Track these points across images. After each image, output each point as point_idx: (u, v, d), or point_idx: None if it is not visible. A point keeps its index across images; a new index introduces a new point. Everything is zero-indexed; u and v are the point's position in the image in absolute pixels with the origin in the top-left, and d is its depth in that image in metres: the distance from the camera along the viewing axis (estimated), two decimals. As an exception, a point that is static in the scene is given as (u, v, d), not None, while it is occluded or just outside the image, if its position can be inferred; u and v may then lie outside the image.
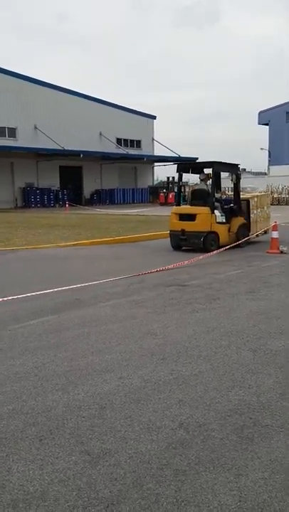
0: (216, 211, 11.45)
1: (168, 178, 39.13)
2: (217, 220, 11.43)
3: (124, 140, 43.87)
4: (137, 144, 45.25)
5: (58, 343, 4.75)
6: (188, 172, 13.36)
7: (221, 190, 12.60)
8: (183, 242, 11.59)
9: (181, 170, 12.44)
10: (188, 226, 11.40)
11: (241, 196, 12.63)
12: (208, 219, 11.28)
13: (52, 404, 3.42)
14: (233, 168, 12.63)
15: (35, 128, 36.76)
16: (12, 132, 36.00)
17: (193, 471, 2.60)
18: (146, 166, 45.78)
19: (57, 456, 2.76)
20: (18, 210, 32.02)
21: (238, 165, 12.59)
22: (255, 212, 12.85)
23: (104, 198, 40.60)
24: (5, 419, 3.20)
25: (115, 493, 2.43)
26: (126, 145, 43.76)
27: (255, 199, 13.04)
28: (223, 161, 12.26)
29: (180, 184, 12.94)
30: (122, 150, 42.15)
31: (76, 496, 2.41)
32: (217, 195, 11.97)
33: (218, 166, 12.09)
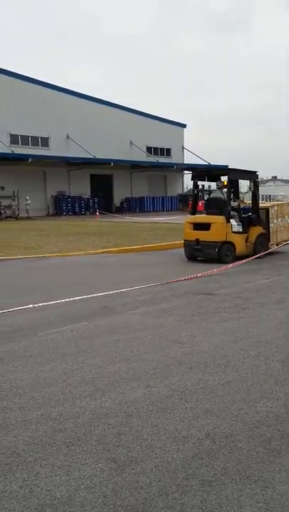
0: (231, 220, 11.09)
1: (198, 185, 38.99)
2: (233, 230, 11.06)
3: (154, 148, 44.10)
4: (167, 152, 45.41)
5: (87, 350, 4.80)
6: (204, 180, 13.00)
7: (239, 198, 12.36)
8: (197, 253, 11.24)
9: (196, 177, 12.12)
10: (203, 236, 11.04)
11: (260, 205, 12.25)
12: (224, 228, 10.91)
13: (79, 410, 3.46)
14: (250, 176, 12.28)
15: (68, 137, 37.40)
16: (45, 142, 36.74)
17: (219, 482, 2.59)
18: (176, 174, 45.86)
19: (84, 462, 2.79)
20: (49, 218, 32.57)
21: (255, 172, 12.21)
22: (275, 221, 12.48)
23: (134, 206, 40.84)
24: (34, 424, 3.26)
25: (140, 502, 2.43)
26: (156, 153, 43.98)
27: (276, 208, 12.68)
28: (239, 168, 12.05)
29: (195, 192, 12.36)
30: (152, 158, 42.36)
31: (102, 502, 2.43)
32: (234, 204, 11.66)
33: (234, 174, 11.83)
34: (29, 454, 2.88)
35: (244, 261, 10.49)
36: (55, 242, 15.03)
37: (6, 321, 5.91)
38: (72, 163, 36.52)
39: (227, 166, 42.48)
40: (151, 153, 43.20)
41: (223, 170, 11.95)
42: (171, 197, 43.77)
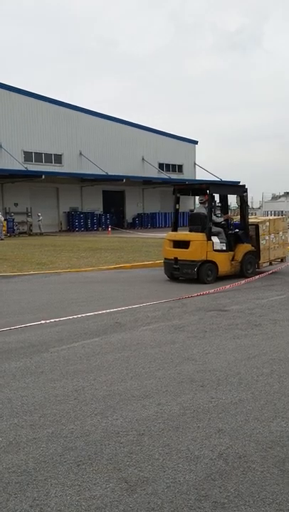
0: (213, 238, 10.34)
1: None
2: (215, 248, 10.29)
3: (166, 165, 44.35)
4: (179, 168, 45.63)
5: (98, 367, 4.77)
6: (189, 194, 12.45)
7: (227, 213, 11.58)
8: (176, 272, 10.50)
9: (177, 192, 11.14)
10: (182, 254, 10.30)
11: (251, 220, 11.57)
12: (204, 247, 10.16)
13: (90, 428, 3.43)
14: (236, 190, 11.68)
15: (80, 154, 37.80)
16: (58, 158, 37.17)
17: (232, 504, 2.53)
18: (188, 190, 45.94)
19: (94, 482, 2.75)
20: (62, 234, 32.78)
21: (243, 186, 11.72)
22: (267, 238, 11.62)
23: (146, 221, 40.95)
24: (44, 442, 3.24)
25: (152, 524, 2.39)
26: (168, 169, 44.22)
27: (267, 223, 11.79)
28: (223, 181, 11.92)
29: (177, 208, 11.20)
30: (164, 175, 42.59)
31: (112, 524, 2.39)
32: (219, 220, 10.94)
33: (216, 188, 11.22)
34: (40, 473, 2.85)
35: (263, 274, 10.41)
36: (68, 257, 15.10)
37: (18, 337, 5.91)
38: (85, 180, 36.84)
39: (238, 181, 42.54)
40: (163, 170, 43.44)
41: (204, 184, 11.27)
42: (183, 213, 43.59)
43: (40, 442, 3.23)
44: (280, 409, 3.71)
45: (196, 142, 47.17)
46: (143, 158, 41.94)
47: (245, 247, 10.88)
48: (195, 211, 11.38)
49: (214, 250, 10.29)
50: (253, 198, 71.96)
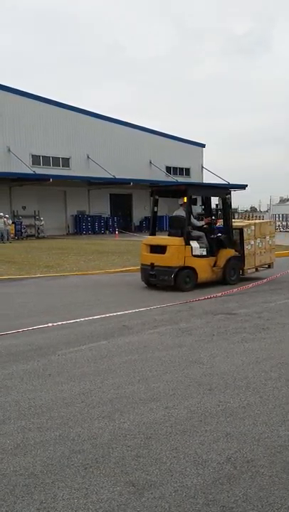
0: (192, 242, 9.73)
1: (216, 205, 38.98)
2: (194, 253, 9.67)
3: (174, 168, 44.35)
4: (186, 171, 45.61)
5: (106, 370, 4.77)
6: (169, 196, 11.75)
7: (210, 216, 10.86)
8: (152, 279, 9.92)
9: (156, 194, 10.57)
10: (158, 260, 9.70)
11: (235, 224, 10.94)
12: (181, 252, 9.53)
13: (97, 431, 3.42)
14: (217, 192, 11.19)
15: (88, 157, 37.91)
16: (66, 162, 37.29)
17: (240, 509, 2.51)
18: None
19: (102, 485, 2.74)
20: (69, 237, 32.85)
21: (225, 188, 11.20)
22: (252, 242, 10.92)
23: (153, 225, 40.89)
24: (52, 445, 3.23)
25: (159, 528, 2.37)
26: (175, 173, 44.20)
27: (252, 227, 11.09)
28: (204, 183, 11.53)
29: (155, 210, 10.64)
30: (172, 178, 42.58)
31: (120, 527, 2.38)
32: (199, 224, 10.42)
33: (194, 190, 10.70)
34: (47, 476, 2.85)
35: (272, 278, 10.37)
36: (75, 260, 15.12)
37: (26, 340, 5.92)
38: (93, 183, 36.91)
39: (246, 185, 42.33)
40: (170, 173, 43.44)
41: (182, 186, 10.47)
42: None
43: (48, 445, 3.23)
44: (288, 413, 3.68)
45: (203, 145, 47.13)
46: (150, 162, 41.97)
47: (228, 253, 10.27)
48: (174, 214, 10.68)
49: (193, 256, 9.68)
50: (261, 201, 71.72)
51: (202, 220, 10.87)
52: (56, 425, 3.53)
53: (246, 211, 58.85)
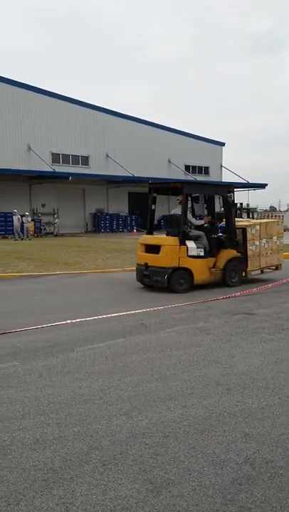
0: (188, 242, 9.37)
1: (236, 204, 38.77)
2: (190, 254, 9.31)
3: (193, 167, 44.20)
4: (205, 170, 45.41)
5: (123, 367, 4.78)
6: (167, 194, 11.41)
7: (213, 215, 10.59)
8: (146, 279, 9.62)
9: (154, 191, 10.20)
10: (152, 260, 9.41)
11: (239, 223, 10.54)
12: (175, 252, 9.19)
13: (116, 428, 3.43)
14: (217, 190, 10.84)
15: (107, 156, 38.03)
16: (85, 160, 37.49)
17: (259, 510, 2.50)
18: (214, 192, 45.62)
19: (120, 482, 2.76)
20: (88, 235, 33.03)
21: (226, 186, 10.69)
22: (256, 243, 10.47)
23: (171, 223, 40.84)
24: (70, 440, 3.26)
25: (177, 526, 2.37)
26: (194, 172, 44.06)
27: (257, 227, 10.58)
28: (203, 181, 11.09)
29: (152, 208, 10.26)
30: (190, 177, 42.43)
31: (138, 525, 2.39)
32: (199, 223, 10.12)
33: (192, 188, 10.28)
34: (66, 471, 2.87)
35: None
36: (93, 258, 15.20)
37: (45, 336, 5.98)
38: (111, 182, 37.03)
39: (265, 184, 41.93)
40: (189, 172, 43.31)
41: (178, 183, 10.02)
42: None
43: (67, 441, 3.25)
44: (308, 415, 3.65)
45: (223, 144, 46.86)
46: (169, 160, 41.91)
47: (228, 253, 9.88)
48: (172, 212, 10.34)
49: (189, 256, 9.31)
50: (281, 201, 70.96)
51: (202, 218, 10.59)
52: (75, 421, 3.56)
53: (265, 211, 58.36)
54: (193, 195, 10.49)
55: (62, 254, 16.67)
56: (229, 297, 8.61)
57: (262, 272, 10.92)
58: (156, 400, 3.94)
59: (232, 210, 10.25)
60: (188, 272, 9.36)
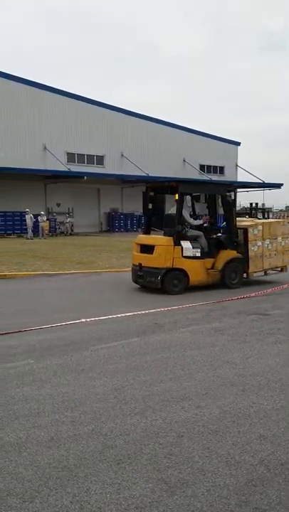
0: (184, 242, 9.14)
1: (251, 204, 38.54)
2: (185, 254, 9.08)
3: (208, 166, 44.03)
4: (220, 170, 45.21)
5: (138, 367, 4.79)
6: (165, 193, 10.93)
7: (214, 214, 10.36)
8: (140, 280, 9.44)
9: (151, 190, 9.97)
10: (146, 260, 9.22)
11: (240, 223, 10.19)
12: (169, 252, 8.97)
13: (130, 428, 3.44)
14: (215, 189, 10.45)
15: (122, 155, 38.10)
16: (100, 160, 37.60)
17: (273, 511, 2.48)
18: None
19: (134, 481, 2.76)
20: (102, 234, 33.13)
21: (225, 185, 10.39)
22: (260, 243, 10.14)
23: (185, 223, 40.76)
24: (85, 439, 3.27)
25: (191, 527, 2.37)
26: (209, 171, 43.89)
27: (260, 227, 10.23)
28: (200, 179, 10.69)
29: (148, 207, 10.11)
30: (205, 176, 42.30)
31: (152, 524, 2.39)
32: (197, 222, 9.81)
33: (187, 187, 9.90)
34: (80, 469, 2.89)
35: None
36: (107, 257, 15.24)
37: (59, 335, 6.01)
38: (126, 181, 37.09)
39: (281, 183, 41.55)
40: (204, 171, 43.17)
41: (174, 182, 9.76)
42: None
43: (81, 439, 3.27)
44: None
45: (238, 143, 46.61)
46: (184, 160, 41.82)
47: (227, 254, 9.60)
48: (169, 212, 10.05)
49: (184, 256, 9.08)
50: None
51: (200, 218, 10.24)
52: (89, 420, 3.57)
53: (280, 210, 57.90)
54: (194, 194, 10.30)
55: (76, 253, 16.75)
56: (244, 297, 8.56)
57: (265, 273, 10.59)
58: (171, 400, 3.94)
59: (232, 209, 9.96)
60: (183, 273, 9.13)
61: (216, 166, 44.88)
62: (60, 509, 2.51)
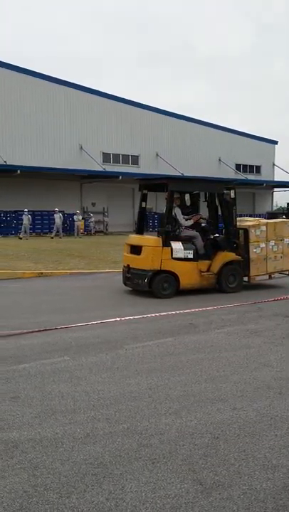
0: (173, 243, 8.63)
1: (288, 203, 37.84)
2: (175, 256, 8.59)
3: (244, 166, 43.50)
4: (257, 169, 44.58)
5: (172, 367, 4.78)
6: (159, 191, 10.10)
7: (213, 214, 9.85)
8: (128, 282, 9.11)
9: (144, 188, 9.55)
10: (134, 262, 8.82)
11: (241, 223, 9.69)
12: (157, 253, 8.47)
13: (165, 427, 3.44)
14: (209, 187, 9.77)
15: (157, 155, 38.13)
16: (135, 160, 37.76)
17: (312, 519, 2.42)
18: (266, 192, 44.78)
19: (169, 481, 2.75)
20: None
21: (222, 182, 9.91)
22: (262, 245, 9.53)
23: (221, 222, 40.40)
24: (120, 437, 3.29)
25: (227, 529, 2.34)
26: (245, 171, 43.35)
27: (263, 228, 9.61)
28: (194, 176, 9.82)
29: (143, 206, 9.77)
30: (241, 176, 41.80)
31: (187, 525, 2.38)
32: (187, 223, 9.19)
33: (177, 185, 9.47)
34: (116, 467, 2.90)
35: None
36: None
37: (95, 333, 6.07)
38: (160, 181, 37.11)
39: None
40: (240, 171, 42.67)
41: (164, 179, 9.16)
42: (260, 214, 42.73)
43: (116, 437, 3.29)
44: None
45: (275, 142, 45.83)
46: (219, 159, 41.47)
47: (224, 256, 9.03)
48: (164, 211, 9.42)
49: (174, 258, 8.60)
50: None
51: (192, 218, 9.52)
52: (124, 418, 3.59)
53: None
54: (194, 192, 9.92)
55: (111, 252, 16.86)
56: (280, 299, 8.41)
57: (270, 277, 9.98)
58: (206, 401, 3.91)
59: (231, 208, 9.30)
60: (173, 276, 8.64)
61: (253, 166, 44.27)
62: (96, 505, 2.53)
